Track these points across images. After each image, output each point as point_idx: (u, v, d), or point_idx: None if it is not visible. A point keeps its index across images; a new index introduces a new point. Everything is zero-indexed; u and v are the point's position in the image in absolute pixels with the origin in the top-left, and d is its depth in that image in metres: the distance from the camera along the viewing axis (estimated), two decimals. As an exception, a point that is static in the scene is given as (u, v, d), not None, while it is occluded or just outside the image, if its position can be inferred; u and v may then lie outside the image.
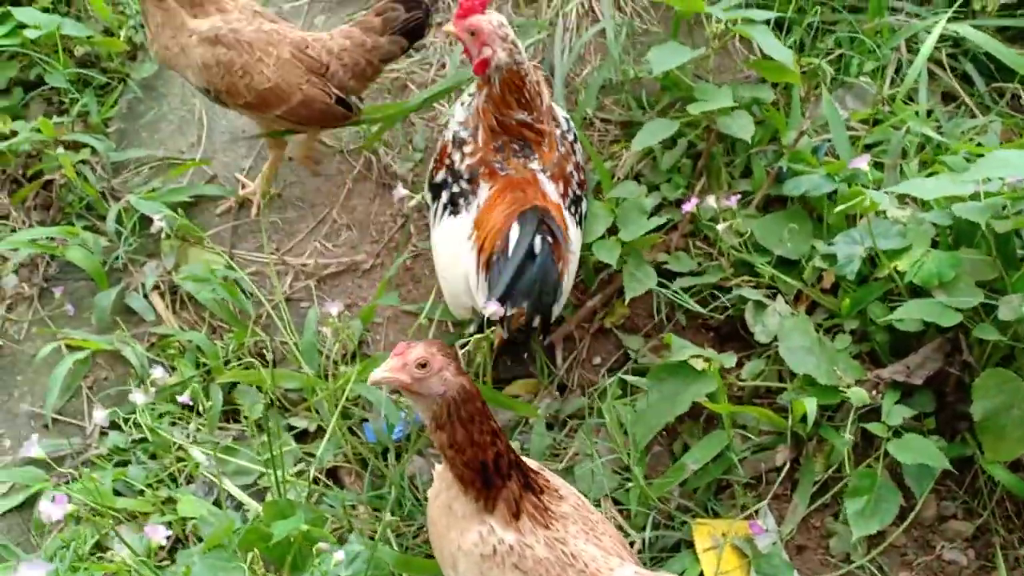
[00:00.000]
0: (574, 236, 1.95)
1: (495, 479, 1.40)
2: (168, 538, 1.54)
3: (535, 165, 1.95)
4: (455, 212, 1.94)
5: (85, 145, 2.31)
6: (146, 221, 2.16)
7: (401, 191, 2.01)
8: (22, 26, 2.30)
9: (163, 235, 2.13)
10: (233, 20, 2.11)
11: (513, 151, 1.96)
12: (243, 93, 2.08)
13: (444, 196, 1.96)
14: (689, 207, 2.06)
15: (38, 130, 2.28)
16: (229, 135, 2.45)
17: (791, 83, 2.29)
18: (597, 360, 2.17)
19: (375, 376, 1.36)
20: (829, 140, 2.31)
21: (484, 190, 1.93)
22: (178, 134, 2.45)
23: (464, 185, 1.94)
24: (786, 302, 2.03)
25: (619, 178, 2.29)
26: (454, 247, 1.92)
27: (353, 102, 2.20)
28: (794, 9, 2.57)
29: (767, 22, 2.19)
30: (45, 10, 2.43)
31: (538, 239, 1.75)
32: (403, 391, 1.38)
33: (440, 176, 1.99)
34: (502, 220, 1.85)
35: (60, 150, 2.26)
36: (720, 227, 2.05)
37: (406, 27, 2.17)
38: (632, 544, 1.88)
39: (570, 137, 2.04)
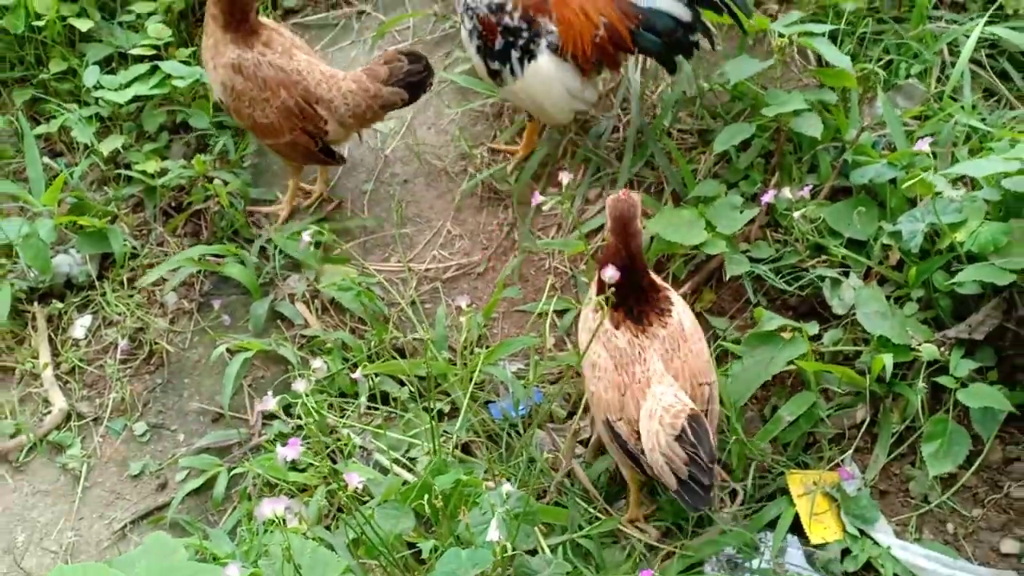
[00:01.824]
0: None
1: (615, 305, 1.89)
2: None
3: None
4: (532, 57, 2.34)
5: (226, 180, 2.66)
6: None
7: (538, 198, 2.23)
8: (169, 77, 2.68)
9: (309, 249, 2.46)
10: (264, 55, 2.43)
11: None
12: (244, 118, 2.47)
13: (515, 53, 2.34)
14: (767, 199, 2.35)
15: (186, 167, 2.65)
16: (349, 164, 2.79)
17: (849, 87, 2.57)
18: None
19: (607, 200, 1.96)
20: (885, 135, 2.59)
21: (547, 23, 2.32)
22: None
23: (527, 34, 2.31)
24: (858, 277, 2.31)
25: (699, 178, 2.59)
26: (548, 78, 2.35)
27: (338, 152, 2.56)
28: (846, 22, 2.86)
29: (824, 34, 2.49)
30: (184, 62, 2.80)
31: None
32: None
33: (499, 43, 2.34)
34: (601, 20, 2.29)
35: (215, 182, 2.61)
36: (796, 215, 2.33)
37: (407, 80, 2.43)
38: (734, 494, 2.16)
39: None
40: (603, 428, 1.96)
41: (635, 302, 1.93)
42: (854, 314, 2.24)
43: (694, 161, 2.67)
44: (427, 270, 2.61)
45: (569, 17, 2.33)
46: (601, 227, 2.58)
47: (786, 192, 2.37)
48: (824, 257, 2.38)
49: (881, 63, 2.83)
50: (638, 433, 1.84)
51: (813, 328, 2.23)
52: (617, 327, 1.91)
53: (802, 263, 2.38)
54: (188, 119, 2.75)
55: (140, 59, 2.79)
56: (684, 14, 2.32)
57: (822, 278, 2.32)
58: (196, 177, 2.65)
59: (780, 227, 2.50)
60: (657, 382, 1.85)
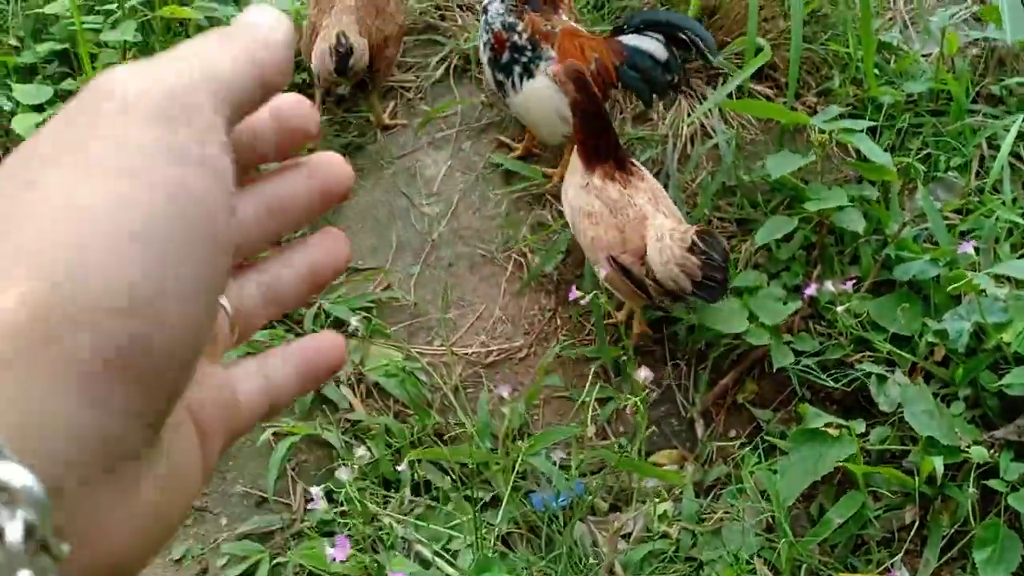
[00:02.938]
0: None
1: (596, 156, 2.26)
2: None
3: (566, 18, 2.64)
4: (531, 76, 2.59)
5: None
6: (337, 323, 2.56)
7: (574, 293, 2.32)
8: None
9: (355, 334, 2.50)
10: None
11: (551, 11, 2.63)
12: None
13: (517, 68, 2.61)
14: (810, 291, 2.36)
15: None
16: (397, 245, 2.84)
17: (889, 181, 2.60)
18: (732, 433, 2.46)
19: (548, 69, 2.45)
20: (926, 229, 2.61)
21: (548, 50, 2.56)
22: (354, 247, 2.84)
23: (529, 54, 2.58)
24: (904, 374, 2.30)
25: (740, 268, 2.61)
26: (542, 98, 2.59)
27: None
28: (884, 116, 2.91)
29: (864, 130, 2.53)
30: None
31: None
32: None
33: (505, 57, 2.62)
34: (595, 56, 2.54)
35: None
36: (839, 309, 2.34)
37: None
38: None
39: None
40: (608, 266, 2.22)
41: (616, 150, 2.28)
42: (901, 412, 2.23)
43: (734, 250, 2.70)
44: (470, 354, 2.63)
45: (568, 49, 2.54)
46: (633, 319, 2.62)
47: (829, 285, 2.39)
48: (868, 352, 2.38)
49: (920, 156, 2.87)
50: (642, 261, 2.14)
51: (860, 426, 2.22)
52: (611, 178, 2.23)
53: (846, 357, 2.39)
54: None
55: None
56: (661, 54, 2.56)
57: (867, 374, 2.32)
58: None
59: (823, 319, 2.51)
60: (652, 216, 2.18)
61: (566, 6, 2.68)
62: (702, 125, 3.03)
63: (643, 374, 1.93)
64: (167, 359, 0.31)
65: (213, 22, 3.15)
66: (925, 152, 2.89)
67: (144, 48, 3.03)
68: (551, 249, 2.73)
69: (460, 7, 3.37)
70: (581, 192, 2.29)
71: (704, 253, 2.04)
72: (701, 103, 3.11)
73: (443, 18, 3.33)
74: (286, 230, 0.45)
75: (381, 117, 3.11)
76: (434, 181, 2.99)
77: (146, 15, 2.95)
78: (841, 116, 2.62)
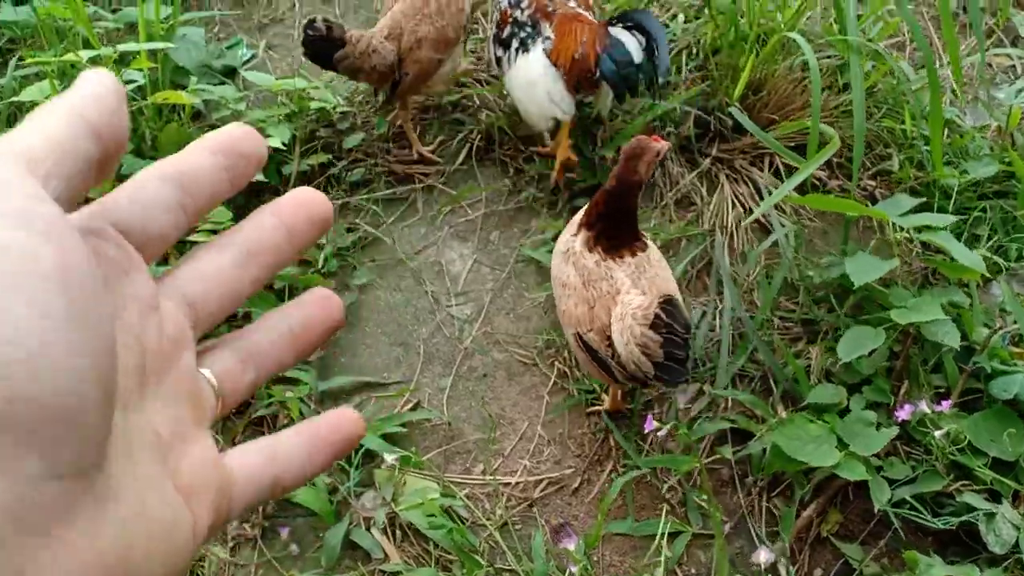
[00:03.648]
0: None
1: (596, 234, 2.07)
2: None
3: (573, 3, 2.61)
4: (526, 51, 2.57)
5: (294, 380, 2.42)
6: (367, 455, 2.26)
7: (651, 424, 2.05)
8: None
9: (388, 468, 2.20)
10: None
11: None
12: None
13: (515, 42, 2.59)
14: (904, 415, 2.11)
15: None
16: (425, 354, 2.55)
17: (972, 280, 2.36)
18: (818, 572, 2.18)
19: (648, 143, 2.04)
20: (1009, 331, 2.37)
21: (546, 28, 2.56)
22: (376, 357, 2.55)
23: (529, 30, 2.57)
24: (1011, 506, 2.05)
25: (813, 378, 2.36)
26: (533, 74, 2.57)
27: None
28: (943, 196, 2.70)
29: (947, 228, 2.29)
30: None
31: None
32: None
33: (507, 31, 2.62)
34: (583, 40, 2.51)
35: (281, 388, 2.36)
36: (937, 434, 2.09)
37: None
38: None
39: None
40: (573, 341, 2.10)
41: (614, 237, 2.07)
42: (1016, 553, 1.98)
43: (802, 354, 2.45)
44: (516, 484, 2.34)
45: (564, 31, 2.55)
46: (705, 438, 2.35)
47: (923, 406, 2.14)
48: (966, 480, 2.13)
49: (991, 244, 2.65)
50: (608, 341, 1.98)
51: (974, 573, 1.96)
52: (589, 249, 2.07)
53: (945, 487, 2.13)
54: (253, 313, 2.51)
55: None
56: (637, 56, 2.49)
57: (969, 507, 2.07)
58: (259, 380, 2.40)
59: (913, 441, 2.26)
60: (626, 292, 1.99)
61: None
62: (749, 210, 2.79)
63: (763, 557, 1.64)
64: (53, 414, 0.31)
65: (211, 106, 2.86)
66: (993, 238, 2.67)
67: (135, 136, 2.73)
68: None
69: (479, 81, 3.11)
70: (560, 258, 2.15)
71: (667, 326, 1.86)
72: (745, 184, 2.87)
73: (461, 94, 3.07)
74: (265, 273, 0.47)
75: (417, 144, 2.89)
76: (460, 278, 2.71)
77: (136, 101, 2.65)
78: (915, 210, 2.38)
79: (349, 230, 2.77)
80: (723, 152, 2.91)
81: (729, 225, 2.77)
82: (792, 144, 2.82)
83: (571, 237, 2.13)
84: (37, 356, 0.31)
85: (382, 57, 2.57)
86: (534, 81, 2.57)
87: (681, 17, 3.06)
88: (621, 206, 2.05)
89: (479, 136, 2.98)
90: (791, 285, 2.59)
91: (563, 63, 2.54)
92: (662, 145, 2.03)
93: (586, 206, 2.15)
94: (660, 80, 2.53)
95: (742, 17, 2.81)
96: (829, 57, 2.97)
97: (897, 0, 2.58)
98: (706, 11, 2.93)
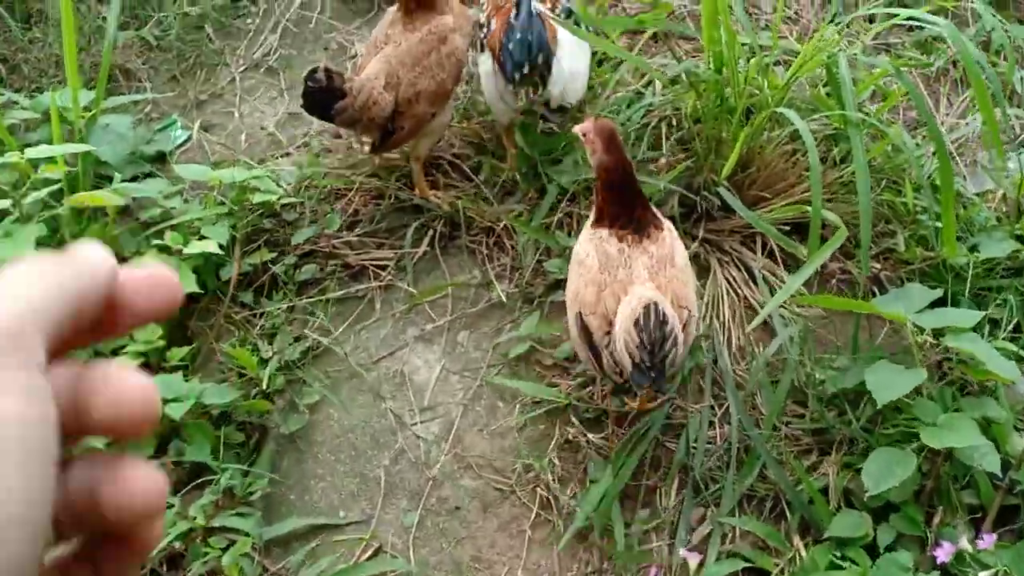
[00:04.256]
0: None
1: (609, 223, 2.05)
2: None
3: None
4: (482, 49, 2.52)
5: (235, 530, 2.08)
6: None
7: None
8: (163, 401, 2.12)
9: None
10: None
11: None
12: None
13: (478, 45, 2.54)
14: (943, 557, 1.83)
15: (181, 515, 2.06)
16: (387, 485, 2.23)
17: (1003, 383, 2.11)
18: None
19: (575, 128, 2.11)
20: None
21: (493, 23, 2.47)
22: (330, 492, 2.23)
23: (486, 29, 2.50)
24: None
25: (831, 502, 2.08)
26: (484, 69, 2.52)
27: None
28: (955, 276, 2.46)
29: (975, 328, 2.03)
30: (180, 366, 2.27)
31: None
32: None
33: (476, 35, 2.55)
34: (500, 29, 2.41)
35: (218, 540, 2.03)
36: (983, 575, 1.82)
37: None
38: None
39: None
40: (574, 321, 2.04)
41: (635, 217, 2.03)
42: None
43: (816, 467, 2.17)
44: (499, 648, 2.02)
45: (498, 24, 2.44)
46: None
47: (963, 542, 1.86)
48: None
49: (1009, 329, 2.40)
50: (608, 328, 1.93)
51: None
52: (620, 240, 2.02)
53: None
54: (184, 448, 2.18)
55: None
56: (519, 58, 2.34)
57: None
58: (195, 531, 2.06)
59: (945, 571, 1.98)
60: (641, 283, 1.94)
61: None
62: (744, 297, 2.53)
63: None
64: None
65: (139, 203, 2.54)
66: (1012, 320, 2.42)
67: (53, 239, 2.40)
68: (588, 496, 2.15)
69: (447, 162, 2.83)
70: (586, 235, 2.11)
71: (643, 331, 1.81)
72: (738, 268, 2.60)
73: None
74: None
75: (424, 190, 2.67)
76: (426, 390, 2.40)
77: (51, 208, 2.32)
78: (931, 305, 2.12)
79: (297, 339, 2.46)
80: (711, 233, 2.64)
81: (724, 316, 2.50)
82: (787, 222, 2.57)
83: (593, 227, 2.09)
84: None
85: (381, 109, 2.40)
86: (485, 77, 2.55)
87: (658, 84, 2.80)
88: (624, 189, 2.05)
89: (442, 221, 2.69)
90: (798, 387, 2.31)
91: (492, 53, 2.46)
92: (587, 125, 2.07)
93: (593, 212, 2.12)
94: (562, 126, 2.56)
95: (727, 87, 2.55)
96: (821, 124, 2.72)
97: (897, 70, 2.34)
98: (684, 78, 2.68)
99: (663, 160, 2.71)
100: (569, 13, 2.54)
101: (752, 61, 2.49)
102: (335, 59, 3.30)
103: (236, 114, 3.10)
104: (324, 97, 2.31)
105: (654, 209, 2.10)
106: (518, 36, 2.33)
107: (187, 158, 2.95)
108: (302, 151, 2.95)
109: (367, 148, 2.67)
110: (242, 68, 3.25)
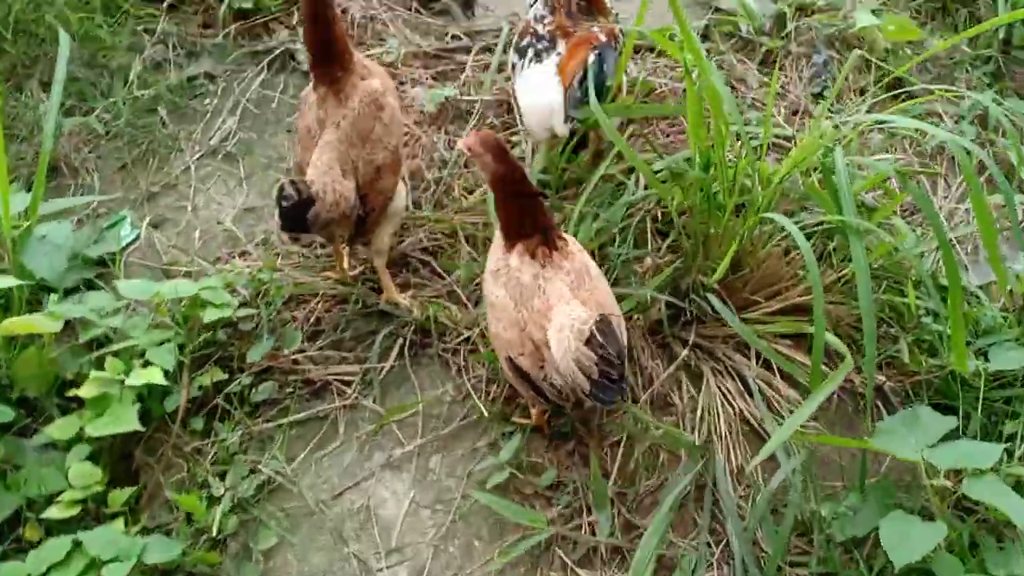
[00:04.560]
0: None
1: (520, 231, 2.06)
2: None
3: (596, 29, 2.69)
4: (539, 61, 2.65)
5: None
6: None
7: None
8: (94, 564, 1.89)
9: None
10: None
11: (580, 18, 2.73)
12: None
13: (530, 52, 2.67)
14: None
15: None
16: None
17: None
18: None
19: (459, 144, 2.14)
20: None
21: (561, 44, 2.65)
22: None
23: (546, 43, 2.66)
24: None
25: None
26: (540, 83, 2.60)
27: None
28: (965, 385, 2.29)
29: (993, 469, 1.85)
30: (119, 514, 2.05)
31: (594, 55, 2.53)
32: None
33: (525, 41, 2.71)
34: (578, 57, 2.57)
35: None
36: None
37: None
38: None
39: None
40: (506, 365, 2.08)
41: (539, 228, 2.06)
42: None
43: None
44: None
45: (572, 51, 2.63)
46: None
47: None
48: None
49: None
50: (541, 363, 1.98)
51: None
52: (533, 256, 2.04)
53: None
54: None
55: (61, 524, 2.02)
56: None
57: None
58: None
59: None
60: (565, 303, 1.97)
61: (603, 15, 2.80)
62: (739, 410, 2.34)
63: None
64: None
65: (81, 320, 2.33)
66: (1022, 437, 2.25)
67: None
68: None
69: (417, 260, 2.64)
70: (490, 279, 2.12)
71: (600, 346, 1.87)
72: (731, 378, 2.42)
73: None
74: None
75: (391, 291, 2.49)
76: (393, 528, 2.18)
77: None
78: (945, 438, 1.94)
79: (252, 471, 2.24)
80: (703, 338, 2.46)
81: (720, 430, 2.31)
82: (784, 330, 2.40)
83: (501, 257, 2.10)
84: None
85: (347, 199, 2.24)
86: (539, 88, 2.61)
87: (642, 181, 2.62)
88: (522, 197, 2.06)
89: (412, 328, 2.49)
90: (802, 520, 2.12)
91: (563, 79, 2.58)
92: (471, 141, 2.08)
93: (499, 226, 2.12)
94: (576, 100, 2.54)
95: (715, 183, 2.38)
96: (816, 213, 2.55)
97: (901, 174, 2.17)
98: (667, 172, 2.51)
99: (648, 260, 2.52)
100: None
101: (742, 160, 2.32)
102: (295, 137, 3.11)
103: (190, 207, 2.89)
104: (300, 211, 2.15)
105: (558, 237, 2.09)
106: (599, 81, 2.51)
107: (137, 259, 2.74)
108: (261, 248, 2.75)
109: (343, 244, 2.53)
110: (198, 155, 3.05)
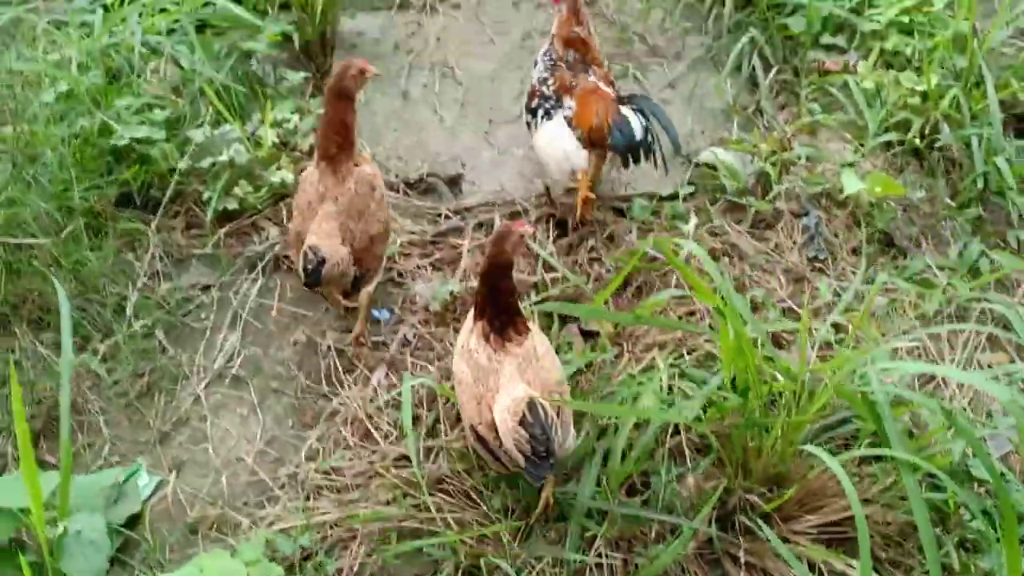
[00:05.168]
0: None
1: (479, 314, 2.39)
2: None
3: (593, 78, 3.21)
4: (550, 118, 3.18)
5: None
6: None
7: None
8: None
9: None
10: None
11: (579, 70, 3.23)
12: None
13: (540, 111, 3.21)
14: None
15: None
16: None
17: None
18: None
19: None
20: None
21: (568, 100, 3.17)
22: None
23: (552, 103, 3.19)
24: None
25: None
26: (554, 136, 3.17)
27: None
28: None
29: None
30: None
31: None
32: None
33: (535, 102, 3.23)
34: (599, 111, 3.13)
35: None
36: None
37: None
38: None
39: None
40: (469, 433, 2.36)
41: (501, 317, 2.36)
42: None
43: None
44: None
45: (585, 102, 3.15)
46: None
47: None
48: None
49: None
50: (495, 432, 2.22)
51: None
52: (486, 339, 2.34)
53: None
54: None
55: None
56: (639, 134, 3.10)
57: None
58: None
59: None
60: (511, 384, 2.26)
61: (597, 65, 3.28)
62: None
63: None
64: None
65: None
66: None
67: None
68: None
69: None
70: (456, 355, 2.42)
71: (531, 424, 2.14)
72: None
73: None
74: None
75: (362, 325, 3.01)
76: None
77: None
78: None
79: None
80: (752, 555, 2.46)
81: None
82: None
83: (467, 333, 2.40)
84: None
85: (347, 262, 2.74)
86: (555, 141, 3.16)
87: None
88: (498, 286, 2.36)
89: (452, 565, 2.45)
90: None
91: (583, 127, 3.14)
92: (526, 229, 2.37)
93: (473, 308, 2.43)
94: (674, 148, 3.20)
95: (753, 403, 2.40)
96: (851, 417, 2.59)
97: (947, 412, 2.22)
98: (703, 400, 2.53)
99: (690, 479, 2.53)
100: None
101: (775, 384, 2.35)
102: (305, 355, 3.05)
103: (207, 447, 2.81)
104: (316, 271, 2.64)
105: (523, 317, 2.39)
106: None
107: (161, 513, 2.64)
108: (289, 491, 2.68)
109: (340, 298, 3.01)
110: (204, 382, 2.97)
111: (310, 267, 2.64)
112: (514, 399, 2.20)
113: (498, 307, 2.35)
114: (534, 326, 2.43)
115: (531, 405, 2.17)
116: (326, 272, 2.65)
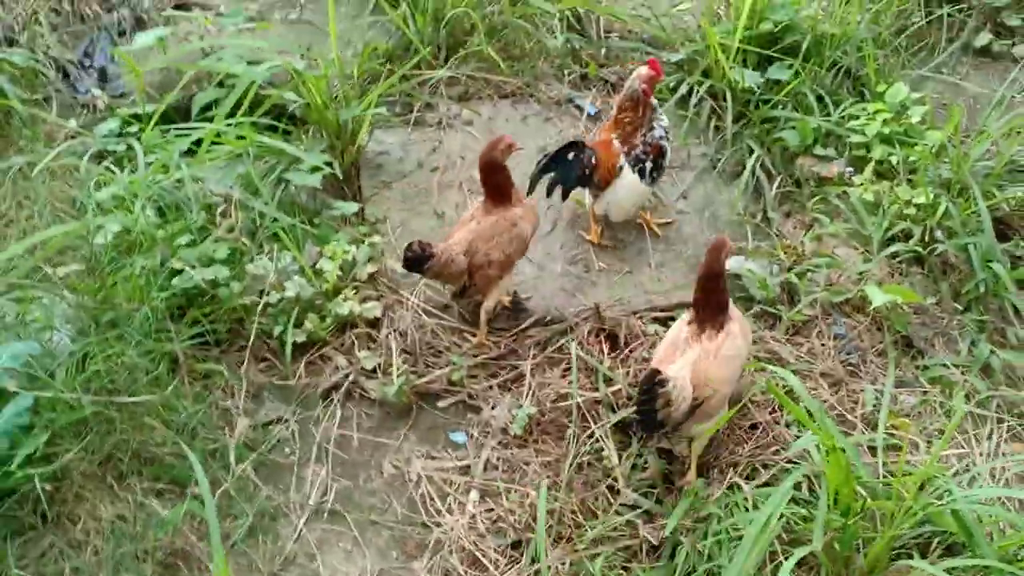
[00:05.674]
0: (627, 174, 3.83)
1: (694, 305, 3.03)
2: None
3: (614, 136, 3.84)
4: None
5: None
6: None
7: None
8: None
9: None
10: None
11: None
12: None
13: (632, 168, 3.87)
14: None
15: None
16: None
17: None
18: None
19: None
20: None
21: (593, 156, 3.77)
22: None
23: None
24: None
25: None
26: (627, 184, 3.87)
27: None
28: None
29: None
30: None
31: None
32: None
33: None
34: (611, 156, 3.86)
35: None
36: None
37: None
38: None
39: (658, 134, 3.86)
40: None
41: (703, 313, 2.98)
42: None
43: None
44: None
45: (601, 155, 3.78)
46: None
47: None
48: None
49: None
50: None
51: None
52: (689, 324, 3.01)
53: None
54: None
55: None
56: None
57: None
58: None
59: None
60: (681, 363, 2.88)
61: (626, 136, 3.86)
62: None
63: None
64: None
65: None
66: None
67: None
68: None
69: None
70: (679, 322, 3.09)
71: (647, 391, 2.74)
72: None
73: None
74: None
75: (483, 333, 3.54)
76: None
77: None
78: None
79: None
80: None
81: None
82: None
83: (687, 324, 3.02)
84: None
85: (457, 266, 3.33)
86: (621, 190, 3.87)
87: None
88: (708, 287, 2.97)
89: None
90: None
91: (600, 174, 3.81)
92: (722, 242, 3.01)
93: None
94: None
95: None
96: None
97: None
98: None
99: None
100: None
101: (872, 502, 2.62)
102: (394, 484, 3.18)
103: (323, 587, 2.89)
104: (418, 261, 3.21)
105: (733, 314, 3.01)
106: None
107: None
108: (412, 627, 2.79)
109: (450, 295, 3.62)
110: (303, 518, 3.05)
111: (409, 256, 3.20)
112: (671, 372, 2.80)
113: (702, 305, 2.98)
114: (736, 327, 2.97)
115: (650, 379, 2.72)
116: (431, 267, 3.22)
